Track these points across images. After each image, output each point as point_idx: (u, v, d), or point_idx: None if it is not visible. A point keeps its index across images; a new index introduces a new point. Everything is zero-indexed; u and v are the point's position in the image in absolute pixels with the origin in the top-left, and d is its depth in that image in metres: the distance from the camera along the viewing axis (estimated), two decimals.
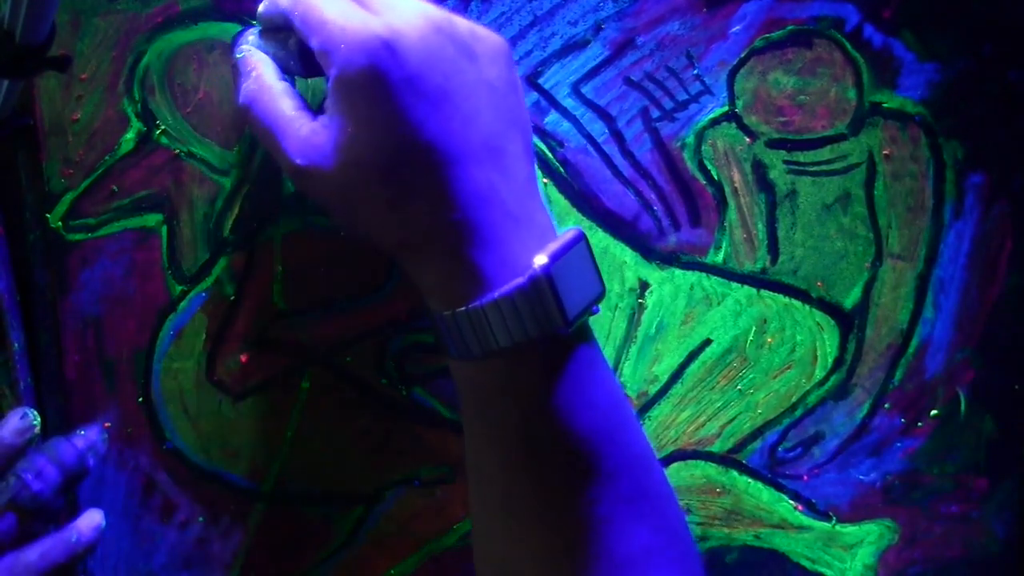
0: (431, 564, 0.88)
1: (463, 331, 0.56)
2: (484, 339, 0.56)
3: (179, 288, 0.80)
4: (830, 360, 0.93)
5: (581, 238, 0.59)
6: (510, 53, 0.63)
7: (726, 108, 0.88)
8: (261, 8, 0.64)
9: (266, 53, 0.64)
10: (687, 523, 0.63)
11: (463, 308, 0.56)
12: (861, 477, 0.95)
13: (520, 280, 0.55)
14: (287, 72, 0.66)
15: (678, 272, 0.89)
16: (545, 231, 0.59)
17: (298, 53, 0.63)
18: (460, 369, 0.61)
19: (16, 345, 0.76)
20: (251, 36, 0.67)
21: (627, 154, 0.87)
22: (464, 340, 0.57)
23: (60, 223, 0.77)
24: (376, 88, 0.52)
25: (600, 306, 0.88)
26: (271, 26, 0.65)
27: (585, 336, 0.59)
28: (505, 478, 0.60)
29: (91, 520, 0.75)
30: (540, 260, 0.56)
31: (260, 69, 0.62)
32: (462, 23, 0.61)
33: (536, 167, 0.61)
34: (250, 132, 0.60)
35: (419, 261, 0.58)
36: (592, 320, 0.86)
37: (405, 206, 0.55)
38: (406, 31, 0.54)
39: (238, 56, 0.64)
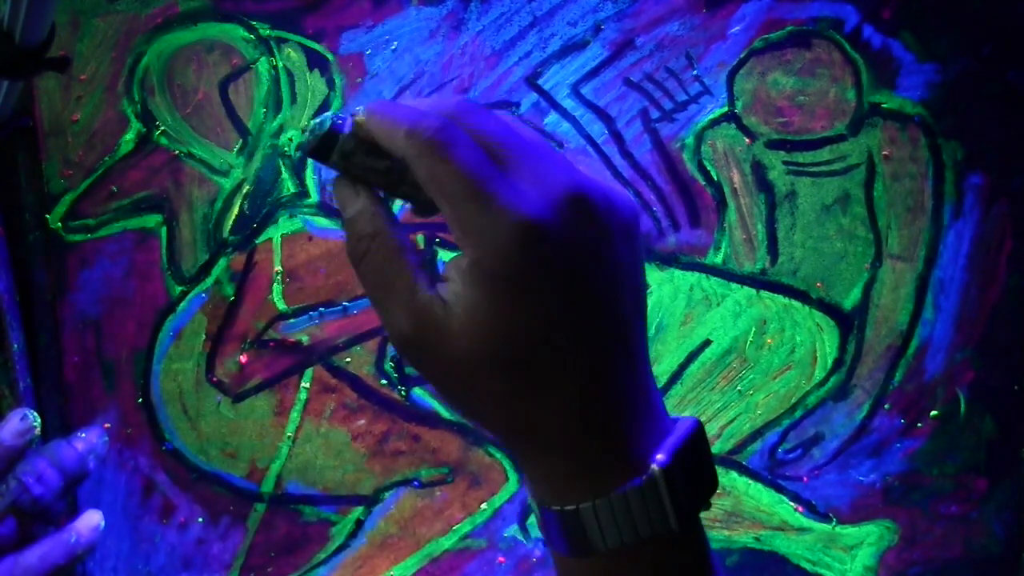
0: (430, 565, 0.88)
1: (570, 528, 0.53)
2: (593, 538, 0.52)
3: (178, 289, 0.80)
4: (830, 361, 0.93)
5: (697, 426, 0.55)
6: (639, 221, 0.55)
7: (725, 109, 0.88)
8: (361, 116, 0.52)
9: (362, 166, 0.51)
10: None
11: (573, 507, 0.52)
12: (861, 478, 0.95)
13: (637, 479, 0.51)
14: (377, 186, 0.54)
15: (677, 273, 0.89)
16: (661, 418, 0.55)
17: (407, 189, 0.52)
18: (561, 563, 0.57)
19: (16, 346, 0.75)
20: (346, 144, 0.52)
21: (626, 155, 0.86)
22: (570, 537, 0.53)
23: (60, 224, 0.77)
24: (517, 277, 0.48)
25: None
26: (370, 140, 0.53)
27: (695, 531, 0.55)
28: None
29: (90, 521, 0.75)
30: (659, 458, 0.51)
31: (374, 210, 0.52)
32: (599, 192, 0.54)
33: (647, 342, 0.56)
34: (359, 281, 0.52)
35: (530, 452, 0.54)
36: None
37: (526, 398, 0.51)
38: (554, 219, 0.49)
39: (340, 192, 0.50)
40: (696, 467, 0.52)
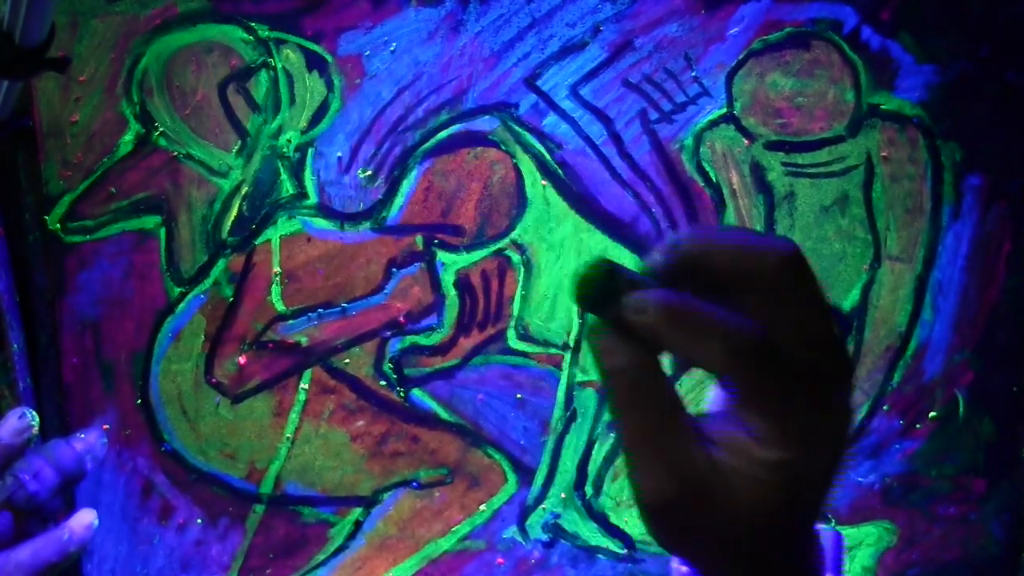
0: (430, 567, 0.88)
1: None
2: None
3: (177, 290, 0.80)
4: None
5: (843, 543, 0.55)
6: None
7: (724, 110, 0.88)
8: (649, 311, 0.48)
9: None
10: None
11: None
12: (860, 479, 0.95)
13: None
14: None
15: None
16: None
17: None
18: None
19: (15, 346, 0.76)
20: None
21: (625, 156, 0.86)
22: None
23: (58, 225, 0.77)
24: (819, 470, 0.48)
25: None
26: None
27: None
28: None
29: (83, 519, 0.75)
30: None
31: (652, 364, 0.50)
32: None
33: None
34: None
35: None
36: (591, 322, 0.86)
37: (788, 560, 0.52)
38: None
39: (606, 340, 0.45)
40: None
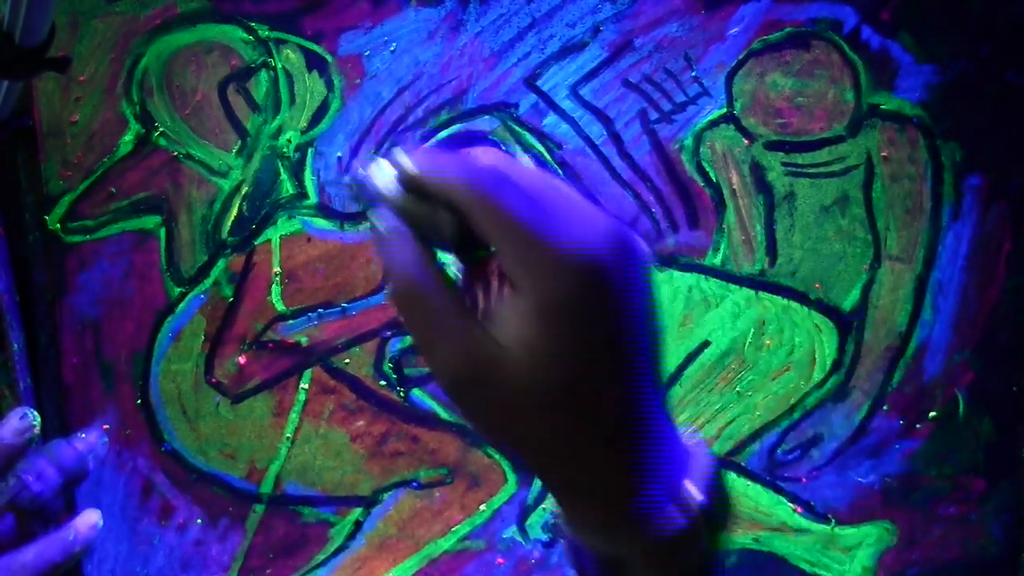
0: (429, 567, 0.88)
1: (606, 567, 0.53)
2: (631, 573, 0.53)
3: (177, 290, 0.80)
4: (828, 362, 0.93)
5: (717, 459, 0.56)
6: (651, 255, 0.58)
7: (724, 110, 0.88)
8: (411, 168, 0.54)
9: (414, 215, 0.52)
10: None
11: (612, 548, 0.53)
12: (860, 479, 0.95)
13: (680, 521, 0.52)
14: (427, 239, 0.57)
15: (676, 274, 0.89)
16: (688, 451, 0.56)
17: (454, 236, 0.52)
18: None
19: (16, 346, 0.76)
20: (389, 191, 0.52)
21: (625, 156, 0.86)
22: (604, 572, 0.54)
23: (58, 225, 0.77)
24: (580, 315, 0.50)
25: None
26: (417, 191, 0.54)
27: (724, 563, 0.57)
28: None
29: (88, 519, 0.75)
30: (697, 499, 0.52)
31: (414, 247, 0.53)
32: (626, 230, 0.58)
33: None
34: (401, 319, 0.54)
35: (574, 492, 0.55)
36: None
37: (579, 441, 0.52)
38: (605, 257, 0.51)
39: (381, 227, 0.52)
40: (724, 501, 0.53)
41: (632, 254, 0.53)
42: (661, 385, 0.55)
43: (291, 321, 0.82)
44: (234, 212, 0.80)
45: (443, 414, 0.84)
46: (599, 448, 0.52)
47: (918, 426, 0.95)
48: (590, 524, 0.55)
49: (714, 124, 0.88)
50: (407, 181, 0.52)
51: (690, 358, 0.91)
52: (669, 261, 0.89)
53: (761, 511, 0.94)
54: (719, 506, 0.54)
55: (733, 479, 0.93)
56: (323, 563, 0.86)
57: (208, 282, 0.80)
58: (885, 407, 0.94)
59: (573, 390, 0.51)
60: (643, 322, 0.53)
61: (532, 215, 0.50)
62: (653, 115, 0.87)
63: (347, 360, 0.82)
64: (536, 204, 0.50)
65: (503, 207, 0.49)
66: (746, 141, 0.89)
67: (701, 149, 0.88)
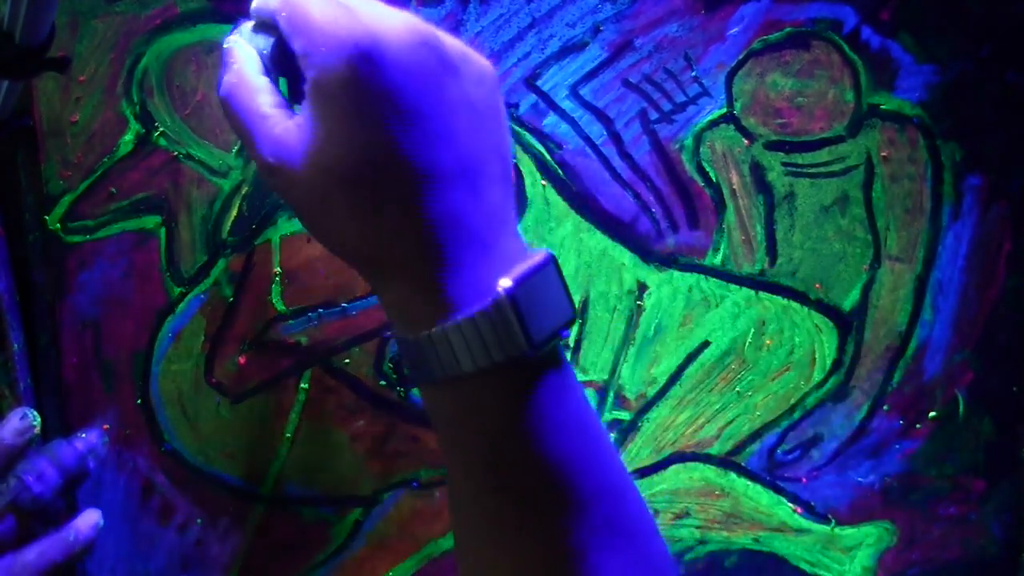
0: (430, 567, 0.88)
1: (426, 355, 0.55)
2: (447, 364, 0.54)
3: (177, 290, 0.80)
4: (828, 362, 0.93)
5: (549, 261, 0.57)
6: (497, 78, 0.62)
7: (724, 110, 0.88)
8: (255, 3, 0.63)
9: (255, 48, 0.63)
10: (671, 560, 0.61)
11: (426, 332, 0.55)
12: (860, 479, 0.95)
13: (483, 303, 0.54)
14: (272, 69, 0.63)
15: (676, 274, 0.89)
16: (515, 257, 0.57)
17: (280, 53, 0.62)
18: (427, 394, 0.59)
19: (16, 346, 0.76)
20: (243, 28, 0.65)
21: (625, 156, 0.87)
22: (427, 364, 0.55)
23: (59, 225, 0.77)
24: (350, 96, 0.51)
25: (599, 308, 0.88)
26: (261, 22, 0.64)
27: (555, 361, 0.57)
28: (476, 504, 0.58)
29: (89, 519, 0.75)
30: (504, 283, 0.54)
31: (242, 62, 0.60)
32: (451, 41, 0.61)
33: (513, 193, 0.59)
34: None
35: (381, 278, 0.57)
36: (590, 322, 0.86)
37: (368, 219, 0.53)
38: (389, 40, 0.53)
39: (224, 47, 0.63)
40: (546, 295, 0.55)
41: (439, 54, 0.58)
42: (489, 190, 0.57)
43: (291, 321, 0.82)
44: (234, 212, 0.80)
45: None
46: (387, 232, 0.54)
47: (918, 426, 0.95)
48: (395, 307, 0.57)
49: (714, 124, 0.88)
50: (253, 13, 0.61)
51: (690, 358, 0.91)
52: (669, 261, 0.89)
53: (761, 511, 0.94)
54: (533, 297, 0.55)
55: (733, 478, 0.93)
56: (323, 563, 0.86)
57: (208, 282, 0.80)
58: (885, 407, 0.94)
59: (352, 172, 0.54)
60: (450, 122, 0.55)
61: (323, 10, 0.54)
62: (653, 115, 0.87)
63: (347, 360, 0.82)
64: (339, 5, 0.55)
65: (301, 8, 0.55)
66: (746, 141, 0.89)
67: (701, 149, 0.88)
